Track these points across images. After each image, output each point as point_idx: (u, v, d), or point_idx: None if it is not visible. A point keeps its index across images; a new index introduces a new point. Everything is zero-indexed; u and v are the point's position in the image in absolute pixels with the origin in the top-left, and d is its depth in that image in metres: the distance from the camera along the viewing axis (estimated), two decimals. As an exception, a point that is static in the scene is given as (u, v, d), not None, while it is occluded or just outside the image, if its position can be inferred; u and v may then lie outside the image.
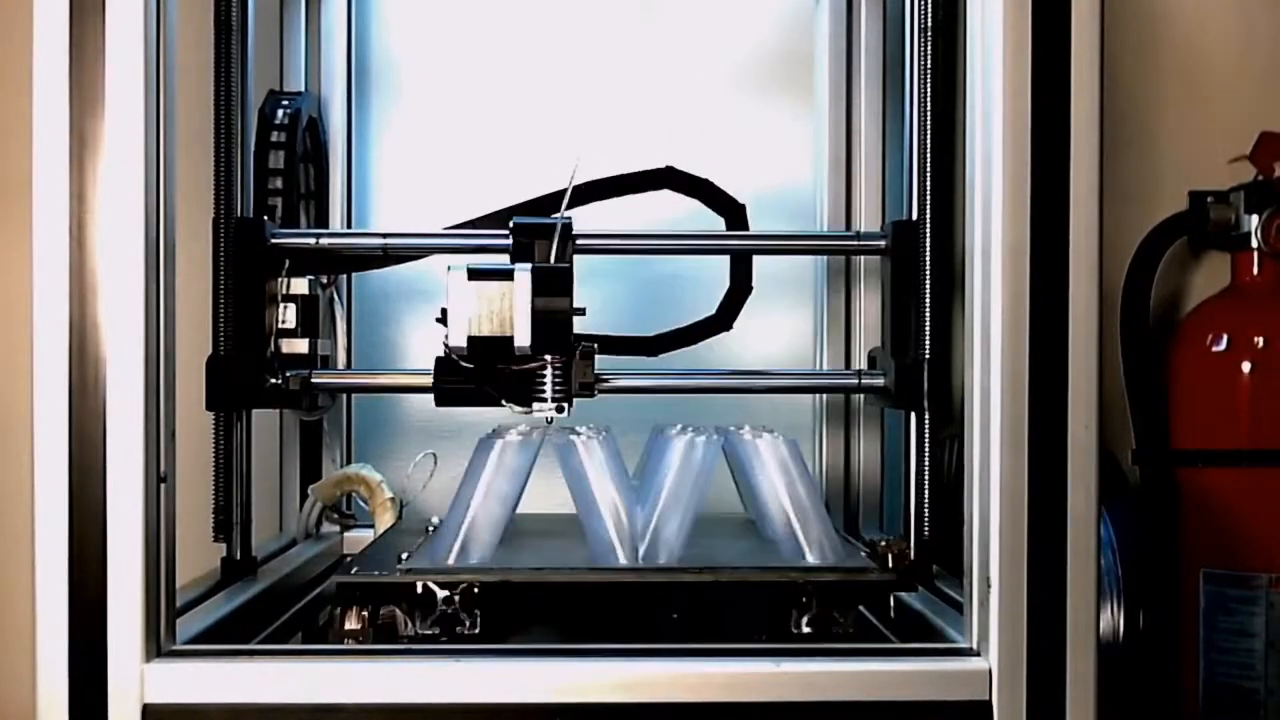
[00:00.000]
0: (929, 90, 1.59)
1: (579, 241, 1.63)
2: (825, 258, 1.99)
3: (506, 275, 1.45)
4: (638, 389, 1.72)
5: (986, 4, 1.19)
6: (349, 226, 2.00)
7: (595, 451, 1.40)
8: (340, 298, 1.96)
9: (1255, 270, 1.93)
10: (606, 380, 1.64)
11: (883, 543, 1.52)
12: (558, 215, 1.62)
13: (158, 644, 1.17)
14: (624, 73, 2.07)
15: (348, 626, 1.32)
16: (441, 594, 1.30)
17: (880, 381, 1.70)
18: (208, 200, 1.59)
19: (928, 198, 1.60)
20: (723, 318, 1.78)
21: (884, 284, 1.76)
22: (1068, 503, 1.17)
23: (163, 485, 1.17)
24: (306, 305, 1.71)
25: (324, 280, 1.86)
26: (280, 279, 1.68)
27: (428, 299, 2.06)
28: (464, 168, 2.05)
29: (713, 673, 1.17)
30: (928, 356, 1.58)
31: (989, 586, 1.18)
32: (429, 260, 1.90)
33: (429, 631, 1.30)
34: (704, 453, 1.41)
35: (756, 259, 1.81)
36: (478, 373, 1.50)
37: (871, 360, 1.82)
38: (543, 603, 1.36)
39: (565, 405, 1.51)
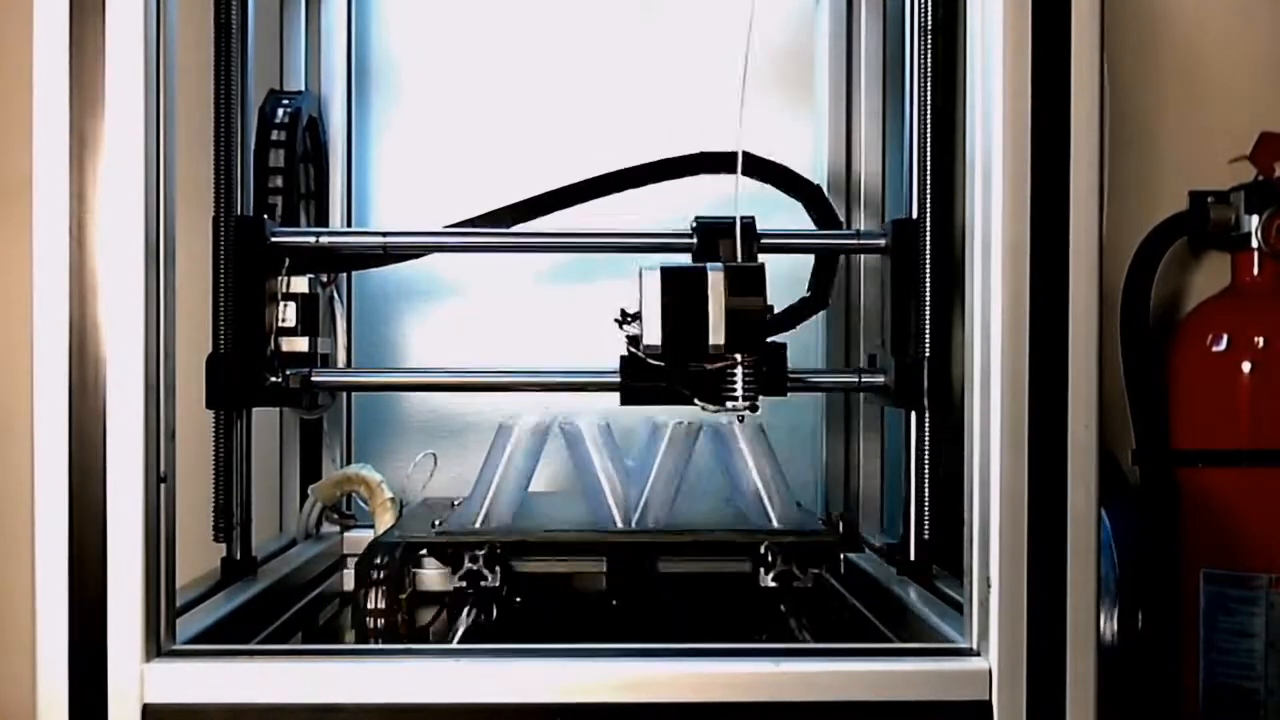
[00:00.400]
0: (929, 90, 1.59)
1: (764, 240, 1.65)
2: (825, 256, 1.99)
3: (700, 274, 1.46)
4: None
5: (986, 4, 1.19)
6: (349, 226, 2.00)
7: (597, 437, 1.63)
8: (340, 296, 1.96)
9: (1255, 270, 1.93)
10: (802, 379, 1.70)
11: (835, 514, 1.79)
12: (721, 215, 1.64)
13: (158, 644, 1.17)
14: (624, 72, 2.07)
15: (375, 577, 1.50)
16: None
17: (880, 380, 1.70)
18: (208, 199, 1.59)
19: (928, 197, 1.60)
20: (820, 297, 1.84)
21: (884, 283, 1.76)
22: (1068, 503, 1.17)
23: (163, 485, 1.17)
24: (306, 304, 1.71)
25: (324, 279, 1.86)
26: (280, 277, 1.68)
27: (428, 298, 2.07)
28: (464, 167, 2.05)
29: (713, 673, 1.17)
30: (928, 355, 1.58)
31: (989, 586, 1.18)
32: (429, 259, 1.90)
33: (459, 585, 1.51)
34: (686, 433, 1.63)
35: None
36: (669, 371, 1.50)
37: (871, 359, 1.82)
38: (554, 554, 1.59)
39: (756, 403, 1.51)
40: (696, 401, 1.50)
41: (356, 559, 1.61)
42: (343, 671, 1.17)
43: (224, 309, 1.59)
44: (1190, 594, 1.85)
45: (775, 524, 1.60)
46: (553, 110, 2.06)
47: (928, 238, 1.60)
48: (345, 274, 1.97)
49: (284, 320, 1.69)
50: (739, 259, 1.58)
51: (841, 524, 1.68)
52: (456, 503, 1.74)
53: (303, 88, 1.95)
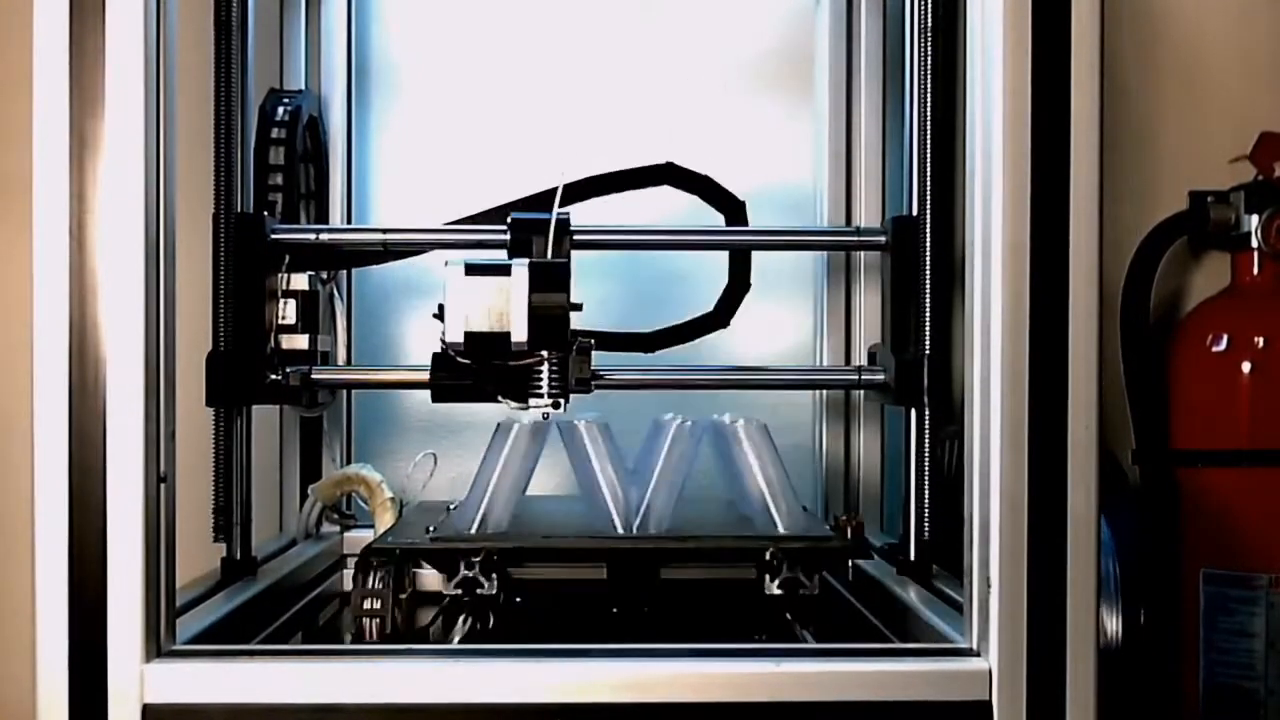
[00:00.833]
0: (929, 89, 1.59)
1: (576, 237, 1.62)
2: (825, 254, 1.99)
3: (504, 270, 1.45)
4: (635, 384, 1.73)
5: (986, 4, 1.19)
6: (349, 224, 2.00)
7: (597, 438, 1.57)
8: (340, 294, 1.96)
9: (1255, 270, 1.92)
10: (603, 376, 1.65)
11: (842, 518, 1.69)
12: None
13: (158, 644, 1.16)
14: (624, 71, 2.07)
15: (369, 585, 1.48)
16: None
17: (880, 377, 1.70)
18: (208, 198, 1.59)
19: (928, 195, 1.60)
20: (720, 314, 1.77)
21: (884, 280, 1.76)
22: (1068, 502, 1.17)
23: (163, 485, 1.17)
24: (306, 301, 1.71)
25: (324, 276, 1.86)
26: (280, 275, 1.68)
27: (427, 295, 2.06)
28: (463, 166, 2.05)
29: (713, 673, 1.17)
30: (928, 352, 1.58)
31: (989, 586, 1.18)
32: (429, 256, 1.90)
33: (454, 592, 1.45)
34: (689, 434, 1.58)
35: (757, 255, 1.81)
36: (475, 369, 1.49)
37: (871, 356, 1.82)
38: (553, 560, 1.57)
39: (562, 401, 1.52)
40: (500, 399, 1.50)
41: (354, 564, 1.58)
42: (343, 671, 1.17)
43: (224, 306, 1.59)
44: (1190, 594, 1.85)
45: (781, 529, 1.55)
46: (552, 109, 2.06)
47: (928, 235, 1.60)
48: (345, 271, 1.97)
49: (284, 317, 1.68)
50: (549, 255, 1.55)
51: (849, 529, 1.63)
52: (452, 506, 1.70)
53: (303, 87, 1.95)
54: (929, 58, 1.60)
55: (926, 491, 1.59)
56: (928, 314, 1.59)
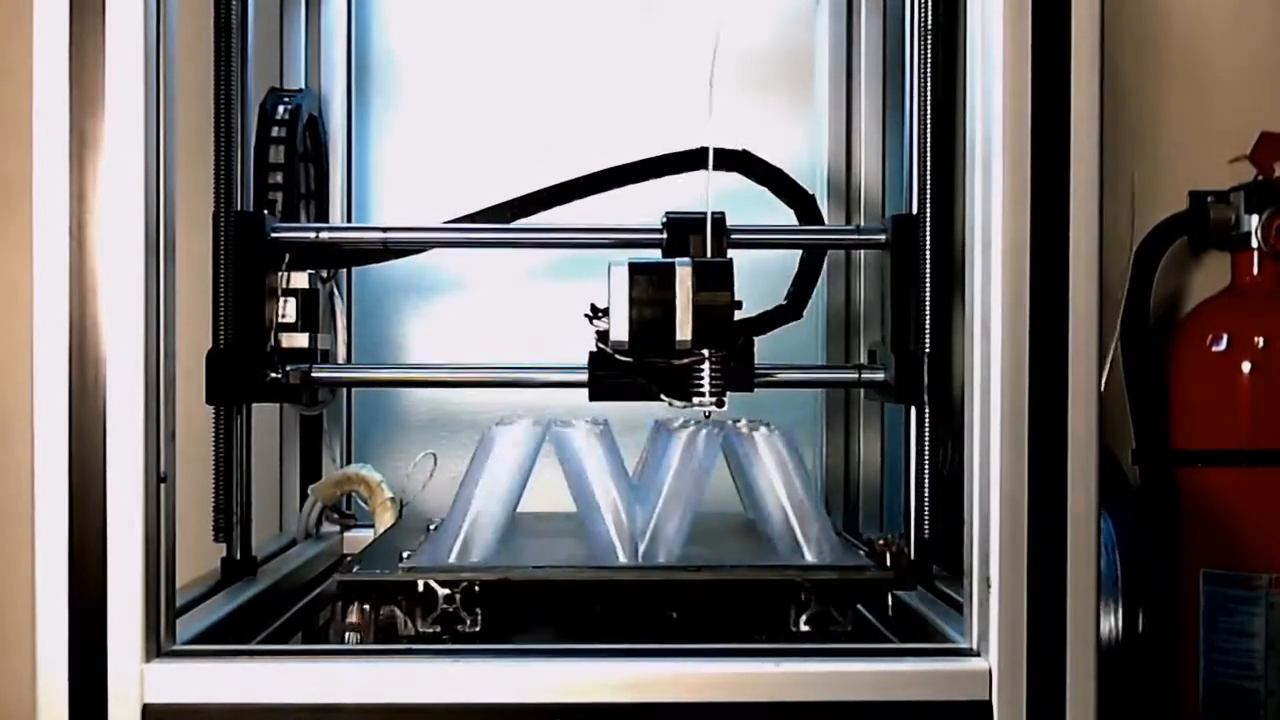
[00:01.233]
0: (929, 89, 1.59)
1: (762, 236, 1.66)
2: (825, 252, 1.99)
3: (667, 270, 1.45)
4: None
5: (986, 4, 1.19)
6: (349, 223, 2.00)
7: (595, 448, 1.41)
8: (340, 292, 1.96)
9: (1255, 270, 1.93)
10: (769, 374, 1.66)
11: (880, 541, 1.52)
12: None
13: (158, 644, 1.16)
14: (624, 70, 2.07)
15: (350, 620, 1.32)
16: (443, 592, 1.30)
17: (880, 376, 1.70)
18: (208, 197, 1.58)
19: (928, 194, 1.60)
20: (795, 306, 1.77)
21: (884, 278, 1.76)
22: (1068, 502, 1.17)
23: (163, 485, 1.17)
24: (306, 300, 1.71)
25: (324, 275, 1.86)
26: (280, 273, 1.68)
27: (428, 294, 2.07)
28: (463, 165, 2.05)
29: (712, 673, 1.17)
30: (928, 350, 1.58)
31: (989, 586, 1.18)
32: (430, 256, 1.90)
33: (430, 630, 1.30)
34: (704, 449, 1.42)
35: (757, 253, 1.81)
36: (636, 366, 1.49)
37: (872, 355, 1.81)
38: (543, 601, 1.36)
39: (723, 399, 1.51)
40: (663, 397, 1.50)
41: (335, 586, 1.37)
42: (343, 671, 1.17)
43: (224, 304, 1.59)
44: (1190, 594, 1.85)
45: (808, 555, 1.39)
46: (552, 108, 2.06)
47: (928, 233, 1.60)
48: (345, 270, 1.97)
49: (284, 316, 1.68)
50: (708, 254, 1.56)
51: (890, 554, 1.47)
52: (432, 526, 1.54)
53: (303, 86, 1.95)
54: (929, 58, 1.59)
55: (927, 491, 1.59)
56: (928, 312, 1.58)
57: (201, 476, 1.59)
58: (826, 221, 1.86)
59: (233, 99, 1.60)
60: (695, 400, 1.49)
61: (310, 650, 1.46)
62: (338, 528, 1.95)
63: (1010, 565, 1.17)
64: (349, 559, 1.49)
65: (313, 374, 1.71)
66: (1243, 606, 1.82)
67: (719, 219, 1.58)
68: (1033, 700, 1.17)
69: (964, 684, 1.18)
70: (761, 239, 1.82)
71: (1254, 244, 1.91)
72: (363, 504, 1.91)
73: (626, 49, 2.07)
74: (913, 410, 1.61)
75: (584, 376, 1.61)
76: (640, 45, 2.07)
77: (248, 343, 1.60)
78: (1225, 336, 1.86)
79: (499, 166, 2.03)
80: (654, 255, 1.60)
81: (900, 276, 1.65)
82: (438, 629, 1.30)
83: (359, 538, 1.87)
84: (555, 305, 2.04)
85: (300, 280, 1.70)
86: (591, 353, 1.54)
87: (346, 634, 1.32)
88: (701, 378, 1.49)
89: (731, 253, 1.58)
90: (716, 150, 1.67)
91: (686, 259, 1.48)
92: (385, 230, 1.76)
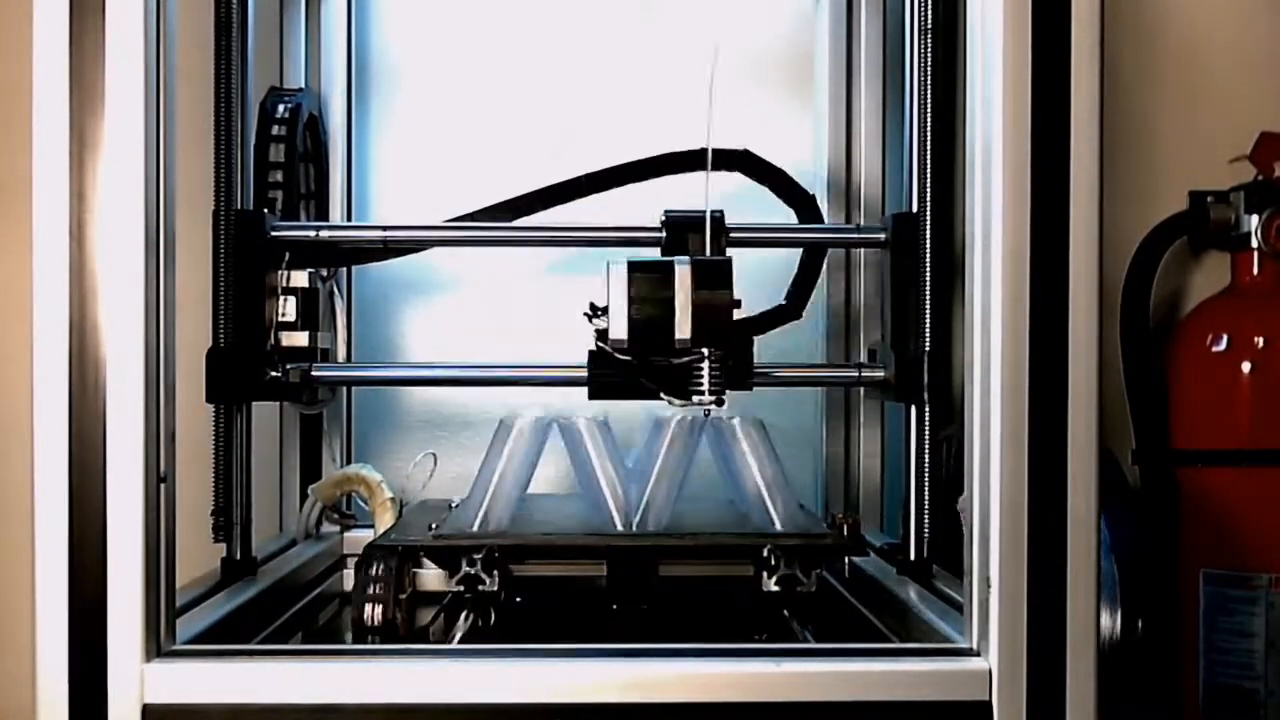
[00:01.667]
0: (929, 89, 1.59)
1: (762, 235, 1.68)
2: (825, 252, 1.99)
3: (667, 268, 1.46)
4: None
5: (986, 4, 1.19)
6: (349, 222, 2.00)
7: (596, 436, 1.59)
8: (340, 291, 1.96)
9: (1255, 270, 1.92)
10: (769, 373, 1.68)
11: (839, 515, 1.68)
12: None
13: (157, 644, 1.16)
14: (623, 70, 2.07)
15: (374, 574, 1.48)
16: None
17: (880, 374, 1.70)
18: (208, 197, 1.58)
19: (928, 192, 1.60)
20: (794, 306, 1.79)
21: (884, 277, 1.76)
22: (1068, 502, 1.17)
23: (163, 485, 1.17)
24: (306, 298, 1.71)
25: (324, 274, 1.86)
26: (280, 272, 1.68)
27: (427, 293, 2.07)
28: (464, 166, 2.05)
29: (714, 673, 1.17)
30: (928, 349, 1.58)
31: (989, 587, 1.18)
32: (430, 255, 1.90)
33: (455, 589, 1.47)
34: (689, 434, 1.59)
35: (756, 251, 1.81)
36: (636, 365, 1.50)
37: (871, 354, 1.81)
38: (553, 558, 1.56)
39: (723, 398, 1.51)
40: (662, 396, 1.50)
41: (355, 563, 1.57)
42: (343, 671, 1.17)
43: (224, 303, 1.59)
44: (1190, 594, 1.85)
45: (778, 526, 1.57)
46: (552, 108, 2.06)
47: (928, 231, 1.60)
48: (345, 269, 1.97)
49: (284, 315, 1.68)
50: (707, 253, 1.57)
51: (845, 527, 1.63)
52: (454, 504, 1.73)
53: (303, 85, 1.95)
54: (929, 58, 1.59)
55: (926, 490, 1.59)
56: (928, 311, 1.59)
57: (201, 476, 1.59)
58: (826, 221, 1.86)
59: (233, 98, 1.60)
60: (695, 399, 1.50)
61: (310, 650, 1.46)
62: (338, 528, 1.95)
63: (1010, 565, 1.17)
64: (377, 538, 1.60)
65: (312, 373, 1.71)
66: (1243, 606, 1.82)
67: (718, 218, 1.59)
68: (1033, 700, 1.17)
69: (964, 684, 1.18)
70: (760, 237, 1.82)
71: (1254, 244, 1.91)
72: (363, 504, 1.91)
73: (626, 48, 2.07)
74: (913, 409, 1.61)
75: (561, 375, 1.67)
76: (639, 44, 2.07)
77: (248, 341, 1.61)
78: (1225, 336, 1.86)
79: (498, 166, 2.03)
80: (652, 254, 1.60)
81: (900, 275, 1.65)
82: (461, 588, 1.46)
83: (359, 538, 1.87)
84: (555, 304, 2.04)
85: (300, 279, 1.70)
86: (591, 351, 1.54)
87: (366, 603, 1.45)
88: (701, 376, 1.49)
89: (731, 252, 1.59)
90: (717, 150, 1.67)
91: (685, 257, 1.48)
92: (385, 229, 1.76)
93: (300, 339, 1.69)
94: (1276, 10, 2.06)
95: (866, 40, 1.97)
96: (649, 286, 1.45)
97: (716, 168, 1.67)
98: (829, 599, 1.69)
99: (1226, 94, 2.05)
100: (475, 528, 1.55)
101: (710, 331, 1.46)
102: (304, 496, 1.93)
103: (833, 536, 1.56)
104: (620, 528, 1.56)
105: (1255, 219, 1.90)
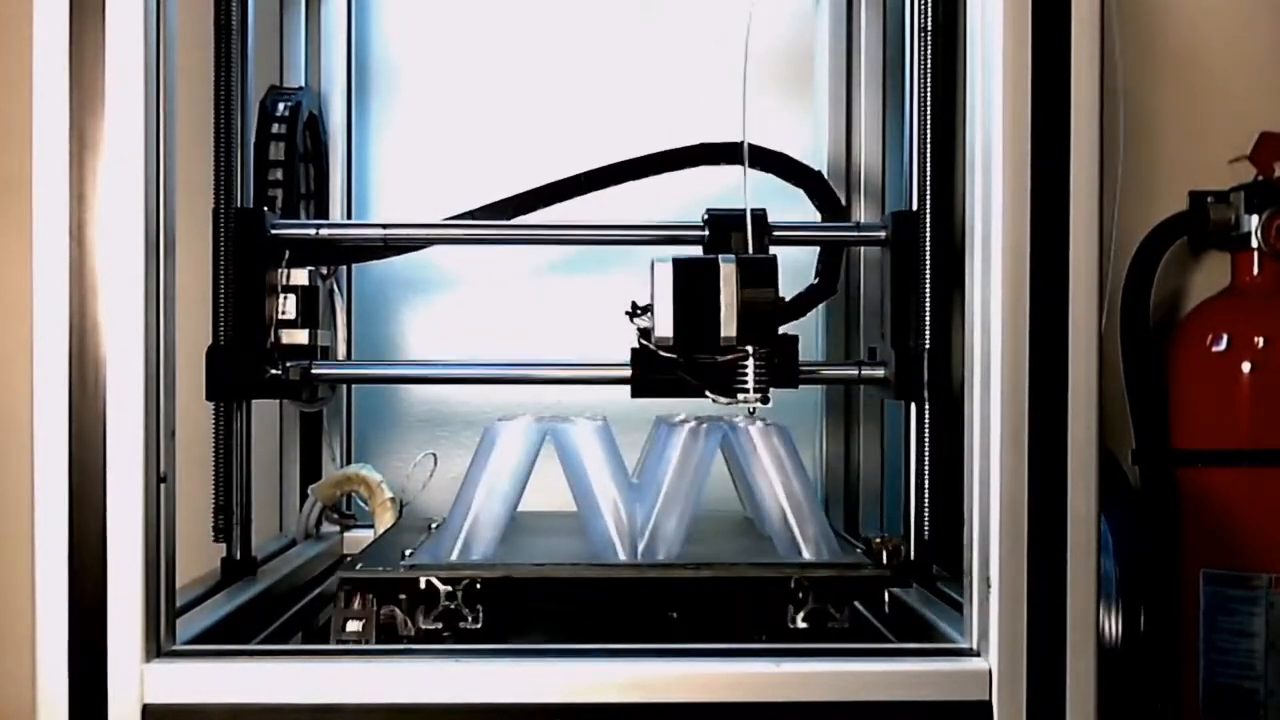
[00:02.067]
0: (929, 88, 1.59)
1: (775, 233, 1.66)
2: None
3: (712, 266, 1.45)
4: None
5: (986, 4, 1.19)
6: (349, 220, 2.00)
7: (594, 445, 1.43)
8: (340, 289, 1.96)
9: (1255, 270, 1.93)
10: (813, 372, 1.67)
11: (878, 539, 1.54)
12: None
13: (158, 644, 1.16)
14: (623, 69, 2.07)
15: (353, 610, 1.34)
16: (444, 589, 1.31)
17: (880, 373, 1.70)
18: (208, 196, 1.58)
19: (928, 191, 1.60)
20: (827, 283, 1.79)
21: (884, 275, 1.76)
22: (1068, 502, 1.17)
23: (163, 485, 1.17)
24: (306, 296, 1.71)
25: (324, 272, 1.86)
26: (280, 270, 1.68)
27: (428, 291, 2.07)
28: (464, 165, 2.05)
29: (713, 673, 1.17)
30: (928, 347, 1.58)
31: (989, 586, 1.18)
32: (430, 253, 1.90)
33: (432, 627, 1.31)
34: (703, 446, 1.44)
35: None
36: (680, 363, 1.49)
37: (871, 352, 1.81)
38: (544, 599, 1.38)
39: (767, 395, 1.50)
40: (707, 394, 1.50)
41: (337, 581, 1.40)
42: (343, 671, 1.17)
43: (224, 301, 1.59)
44: (1190, 594, 1.85)
45: (805, 553, 1.41)
46: (553, 107, 2.06)
47: (928, 230, 1.60)
48: (345, 267, 1.97)
49: (284, 312, 1.68)
50: (750, 251, 1.57)
51: (885, 552, 1.51)
52: (433, 525, 1.58)
53: (303, 84, 1.95)
54: (929, 57, 1.59)
55: (927, 489, 1.59)
56: (928, 309, 1.58)
57: (201, 476, 1.59)
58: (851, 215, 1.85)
59: (233, 97, 1.60)
60: (740, 396, 1.49)
61: (310, 650, 1.46)
62: (338, 528, 1.95)
63: (1010, 565, 1.17)
64: (350, 559, 1.49)
65: (312, 370, 1.70)
66: (1243, 606, 1.82)
67: (760, 215, 1.59)
68: (1033, 700, 1.17)
69: (964, 684, 1.18)
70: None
71: (1254, 244, 1.91)
72: (363, 504, 1.91)
73: (625, 47, 2.07)
74: (913, 407, 1.61)
75: (599, 373, 1.65)
76: (639, 44, 2.07)
77: (248, 339, 1.61)
78: (1225, 336, 1.86)
79: (498, 164, 2.03)
80: (661, 251, 1.59)
81: (900, 273, 1.65)
82: (439, 626, 1.31)
83: (359, 538, 1.87)
84: (554, 303, 2.04)
85: (300, 277, 1.70)
86: (634, 349, 1.54)
87: (347, 622, 1.33)
88: (746, 374, 1.49)
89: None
90: (728, 144, 1.69)
91: (730, 255, 1.48)
92: (385, 227, 1.76)
93: (300, 337, 1.69)
94: (1276, 10, 2.06)
95: (866, 40, 1.97)
96: (695, 284, 1.45)
97: (733, 163, 1.68)
98: (861, 631, 1.50)
99: (1226, 94, 2.05)
100: (454, 555, 1.36)
101: (755, 329, 1.46)
102: (304, 496, 1.93)
103: (873, 566, 1.43)
104: (623, 556, 1.38)
105: (1255, 219, 1.90)
